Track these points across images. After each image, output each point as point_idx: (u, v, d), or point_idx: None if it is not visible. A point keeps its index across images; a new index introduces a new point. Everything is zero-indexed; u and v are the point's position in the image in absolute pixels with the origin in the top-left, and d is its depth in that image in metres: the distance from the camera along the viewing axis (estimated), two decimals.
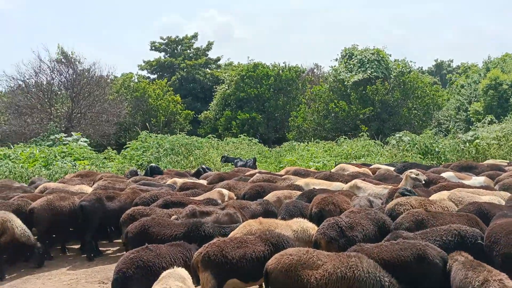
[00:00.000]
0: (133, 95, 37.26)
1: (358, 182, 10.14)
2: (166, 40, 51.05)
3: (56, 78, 30.95)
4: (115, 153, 23.44)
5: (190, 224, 7.31)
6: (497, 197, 8.18)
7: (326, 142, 26.03)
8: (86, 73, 31.10)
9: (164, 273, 5.38)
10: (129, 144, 23.53)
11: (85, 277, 8.28)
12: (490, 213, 7.08)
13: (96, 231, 9.77)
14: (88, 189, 11.36)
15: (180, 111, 39.97)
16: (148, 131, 25.35)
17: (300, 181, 11.08)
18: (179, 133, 26.66)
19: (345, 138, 25.57)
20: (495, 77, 35.57)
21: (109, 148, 24.60)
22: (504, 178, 10.33)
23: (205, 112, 42.61)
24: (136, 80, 42.68)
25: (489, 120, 26.12)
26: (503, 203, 7.89)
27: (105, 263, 9.16)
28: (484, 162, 14.99)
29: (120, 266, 5.93)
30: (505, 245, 5.75)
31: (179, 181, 12.49)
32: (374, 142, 23.94)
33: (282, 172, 14.20)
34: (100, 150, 25.41)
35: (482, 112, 34.75)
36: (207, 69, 50.25)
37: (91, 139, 27.42)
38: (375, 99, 31.59)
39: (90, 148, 22.91)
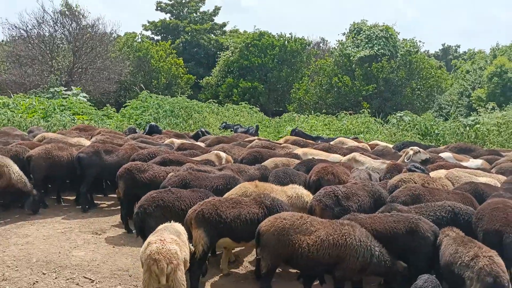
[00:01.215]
0: (135, 55, 36.84)
1: (356, 155, 10.15)
2: (172, 1, 50.15)
3: (59, 30, 30.56)
4: (114, 111, 23.33)
5: (228, 177, 7.58)
6: (493, 179, 8.22)
7: (327, 116, 25.96)
8: (90, 28, 30.65)
9: (161, 226, 5.47)
10: (129, 102, 23.40)
11: (78, 227, 8.34)
12: (485, 193, 7.12)
13: (92, 184, 9.80)
14: (86, 142, 11.32)
15: (182, 75, 39.63)
16: (148, 92, 25.16)
17: (299, 150, 11.09)
18: (180, 96, 26.49)
19: (345, 114, 25.48)
20: (501, 64, 35.31)
21: (108, 105, 24.45)
22: (501, 162, 10.37)
23: (207, 78, 42.23)
24: (139, 40, 42.10)
25: (491, 107, 25.97)
26: (499, 185, 7.92)
27: (99, 215, 9.23)
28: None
29: (142, 202, 6.42)
30: (488, 221, 5.79)
31: (177, 141, 12.47)
32: (375, 120, 23.88)
33: (281, 141, 14.19)
34: (99, 107, 25.25)
35: (484, 99, 34.61)
36: (212, 35, 49.54)
37: (91, 96, 27.21)
38: (380, 76, 31.33)
39: (89, 104, 22.77)
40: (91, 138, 12.47)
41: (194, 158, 9.63)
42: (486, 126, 19.18)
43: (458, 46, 71.83)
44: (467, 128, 19.17)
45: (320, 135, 18.14)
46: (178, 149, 11.24)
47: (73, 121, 17.96)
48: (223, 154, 10.09)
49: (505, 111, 25.21)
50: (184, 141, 12.87)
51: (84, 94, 24.12)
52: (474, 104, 35.25)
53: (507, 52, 41.88)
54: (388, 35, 32.80)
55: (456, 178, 8.18)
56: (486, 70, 37.23)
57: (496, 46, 46.87)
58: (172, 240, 5.05)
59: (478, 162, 10.72)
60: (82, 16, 30.42)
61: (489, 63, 39.62)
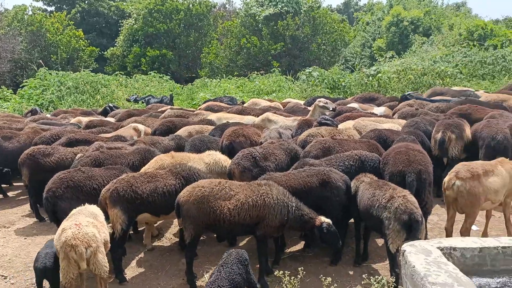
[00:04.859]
0: (28, 30, 33.82)
1: (269, 115, 10.31)
2: None
3: None
4: (11, 93, 21.48)
5: (144, 151, 7.37)
6: (395, 125, 8.79)
7: (239, 78, 25.94)
8: None
9: (74, 210, 5.24)
10: (26, 82, 21.61)
11: None
12: (389, 138, 7.60)
13: None
14: None
15: (83, 48, 37.19)
16: (47, 68, 23.35)
17: (212, 116, 11.02)
18: (84, 71, 24.92)
19: (257, 74, 25.63)
20: (397, 13, 37.14)
21: (3, 87, 22.41)
22: (401, 107, 11.09)
23: (112, 48, 40.05)
24: (30, 13, 38.57)
25: (390, 55, 27.48)
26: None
27: (5, 207, 8.60)
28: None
29: (50, 186, 6.06)
30: (392, 164, 6.22)
31: (84, 119, 11.83)
32: (285, 78, 24.30)
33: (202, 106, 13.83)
34: None
35: (384, 48, 36.41)
36: (112, 1, 46.71)
37: None
38: (286, 34, 31.76)
39: None
40: None
41: (106, 135, 9.21)
42: (387, 74, 20.31)
43: None
44: (370, 78, 20.19)
45: None
46: (86, 127, 10.68)
47: None
48: (141, 127, 9.79)
49: (403, 58, 26.81)
50: (92, 118, 12.24)
51: None
52: (375, 54, 37.03)
53: (402, 1, 44.07)
54: None
55: (363, 127, 8.63)
56: (384, 20, 39.02)
57: None
58: (88, 222, 4.86)
59: (382, 109, 11.38)
60: None
61: (387, 13, 41.52)
